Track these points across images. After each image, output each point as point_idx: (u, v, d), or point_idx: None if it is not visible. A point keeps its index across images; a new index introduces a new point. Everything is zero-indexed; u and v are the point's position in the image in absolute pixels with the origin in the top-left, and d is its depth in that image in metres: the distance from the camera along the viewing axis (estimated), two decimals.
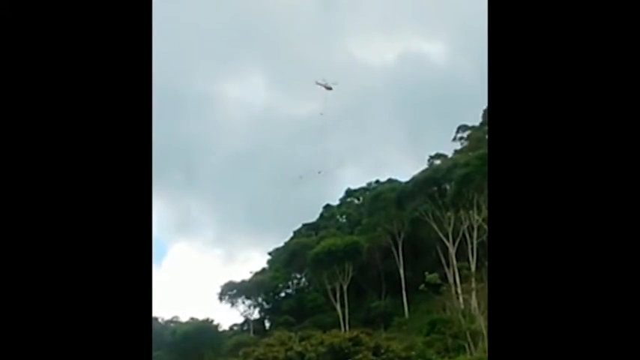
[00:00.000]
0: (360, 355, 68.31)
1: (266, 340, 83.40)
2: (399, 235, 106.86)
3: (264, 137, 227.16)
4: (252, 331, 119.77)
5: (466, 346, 65.35)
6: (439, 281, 74.57)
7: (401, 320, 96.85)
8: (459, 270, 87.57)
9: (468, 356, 64.04)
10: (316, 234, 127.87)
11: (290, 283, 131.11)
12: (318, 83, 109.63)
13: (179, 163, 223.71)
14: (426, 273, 73.74)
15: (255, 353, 76.45)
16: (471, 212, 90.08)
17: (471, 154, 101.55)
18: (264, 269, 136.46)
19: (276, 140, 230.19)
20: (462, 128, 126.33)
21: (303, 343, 73.54)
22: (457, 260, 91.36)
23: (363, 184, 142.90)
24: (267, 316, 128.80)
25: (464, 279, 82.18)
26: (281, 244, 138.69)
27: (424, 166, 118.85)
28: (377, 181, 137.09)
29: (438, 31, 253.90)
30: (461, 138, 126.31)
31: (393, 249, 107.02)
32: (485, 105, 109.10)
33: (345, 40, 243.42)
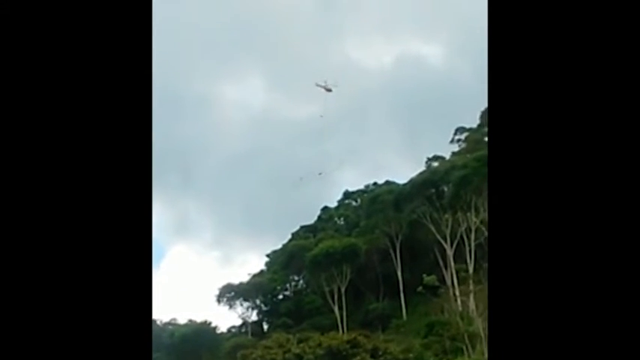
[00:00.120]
0: (358, 357, 68.38)
1: (264, 342, 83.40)
2: (397, 238, 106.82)
3: (262, 139, 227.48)
4: (250, 334, 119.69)
5: (464, 348, 65.33)
6: (437, 283, 74.47)
7: (399, 322, 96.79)
8: (456, 272, 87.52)
9: (466, 358, 64.04)
10: (314, 236, 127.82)
11: (288, 285, 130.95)
12: (318, 85, 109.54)
13: (177, 165, 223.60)
14: (424, 275, 73.65)
15: (253, 355, 76.50)
16: (468, 214, 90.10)
17: (468, 156, 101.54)
18: (262, 271, 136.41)
19: (274, 142, 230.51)
20: (460, 130, 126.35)
21: (301, 345, 73.57)
22: (455, 262, 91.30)
23: (361, 187, 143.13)
24: (265, 319, 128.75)
25: (462, 281, 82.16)
26: (279, 246, 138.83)
27: (422, 168, 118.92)
28: (375, 184, 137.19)
29: (436, 34, 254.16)
30: (458, 140, 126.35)
31: (391, 251, 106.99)
32: (483, 107, 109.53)
33: (344, 42, 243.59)
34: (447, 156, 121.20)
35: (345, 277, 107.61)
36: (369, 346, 70.95)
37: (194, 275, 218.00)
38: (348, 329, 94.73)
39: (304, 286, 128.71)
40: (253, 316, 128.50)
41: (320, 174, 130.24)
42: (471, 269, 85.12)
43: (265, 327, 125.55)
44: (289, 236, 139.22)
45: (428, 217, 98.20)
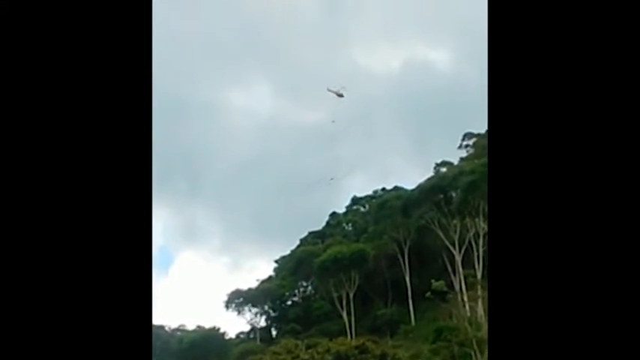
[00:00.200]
0: None
1: (273, 348, 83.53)
2: (405, 243, 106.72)
3: (269, 145, 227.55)
4: (258, 339, 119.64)
5: (472, 353, 65.20)
6: (445, 289, 74.34)
7: (407, 328, 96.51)
8: (465, 277, 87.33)
9: None
10: (322, 242, 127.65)
11: (296, 291, 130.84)
12: (329, 90, 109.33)
13: (185, 172, 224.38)
14: (432, 280, 73.49)
15: None
16: (477, 220, 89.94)
17: (476, 161, 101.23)
18: (270, 277, 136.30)
19: (281, 148, 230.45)
20: (468, 135, 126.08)
21: (310, 351, 73.58)
22: (463, 268, 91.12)
23: (369, 192, 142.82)
24: (274, 324, 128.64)
25: (470, 286, 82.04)
26: (287, 252, 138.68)
27: (430, 173, 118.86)
28: (383, 189, 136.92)
29: (443, 39, 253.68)
30: (466, 145, 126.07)
31: (399, 257, 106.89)
32: None
33: (350, 47, 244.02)
34: (455, 161, 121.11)
35: (354, 283, 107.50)
36: (378, 352, 70.94)
37: (202, 281, 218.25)
38: (356, 335, 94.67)
39: (313, 291, 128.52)
40: (262, 322, 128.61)
41: (331, 179, 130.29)
42: (479, 275, 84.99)
43: (274, 333, 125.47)
44: (297, 242, 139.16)
45: (436, 223, 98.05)
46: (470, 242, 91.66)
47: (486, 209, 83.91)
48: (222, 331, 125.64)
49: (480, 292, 74.76)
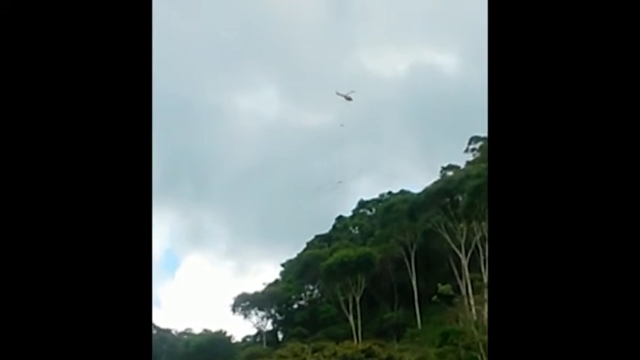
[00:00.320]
0: None
1: (279, 351, 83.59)
2: (412, 247, 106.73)
3: (276, 149, 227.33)
4: (265, 343, 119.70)
5: (479, 357, 65.11)
6: (452, 292, 74.21)
7: (413, 331, 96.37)
8: (471, 281, 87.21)
9: None
10: (329, 245, 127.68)
11: (303, 294, 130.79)
12: (338, 94, 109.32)
13: (191, 175, 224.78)
14: (439, 284, 73.35)
15: None
16: (483, 223, 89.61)
17: (483, 165, 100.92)
18: (276, 281, 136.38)
19: (288, 151, 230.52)
20: (474, 139, 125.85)
21: (316, 354, 73.64)
22: (470, 271, 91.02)
23: (376, 196, 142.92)
24: (280, 328, 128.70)
25: (476, 290, 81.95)
26: (294, 255, 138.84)
27: (436, 177, 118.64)
28: (389, 193, 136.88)
29: (450, 42, 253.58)
30: (473, 149, 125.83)
31: (406, 260, 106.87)
32: None
33: (357, 51, 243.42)
34: (462, 165, 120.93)
35: (360, 287, 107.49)
36: (384, 356, 70.97)
37: (209, 285, 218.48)
38: (362, 338, 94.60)
39: (319, 295, 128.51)
40: (268, 326, 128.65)
41: (339, 182, 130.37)
42: (485, 278, 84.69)
43: (280, 336, 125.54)
44: (304, 245, 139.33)
45: (443, 227, 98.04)
46: (476, 246, 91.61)
47: None
48: (228, 334, 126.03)
49: (486, 296, 74.58)
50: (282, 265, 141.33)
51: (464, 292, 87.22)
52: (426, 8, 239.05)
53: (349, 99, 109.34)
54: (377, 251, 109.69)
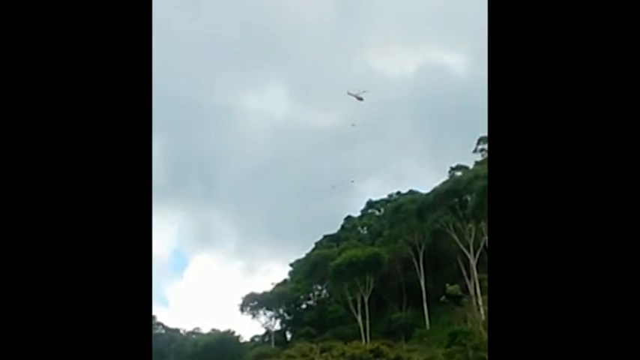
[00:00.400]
0: None
1: (287, 351, 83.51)
2: (420, 247, 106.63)
3: (285, 148, 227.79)
4: (273, 343, 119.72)
5: (487, 358, 64.94)
6: (460, 293, 74.09)
7: (422, 332, 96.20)
8: (480, 281, 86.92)
9: None
10: (337, 245, 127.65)
11: (311, 294, 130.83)
12: (349, 94, 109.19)
13: (200, 175, 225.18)
14: (447, 284, 73.21)
15: None
16: None
17: None
18: (285, 281, 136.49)
19: (297, 151, 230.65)
20: (483, 140, 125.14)
21: (325, 354, 73.53)
22: (478, 272, 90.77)
23: (384, 196, 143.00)
24: (289, 328, 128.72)
25: (485, 290, 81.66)
26: (302, 255, 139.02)
27: (445, 177, 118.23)
28: (398, 193, 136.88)
29: (458, 42, 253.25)
30: (482, 149, 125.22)
31: (414, 260, 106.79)
32: None
33: (366, 51, 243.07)
34: (471, 165, 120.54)
35: (368, 287, 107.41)
36: (392, 356, 70.84)
37: (217, 284, 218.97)
38: (371, 338, 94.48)
39: (327, 295, 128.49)
40: (276, 326, 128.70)
41: (352, 181, 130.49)
42: None
43: (288, 336, 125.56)
44: (312, 246, 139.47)
45: (451, 227, 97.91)
46: (485, 246, 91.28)
47: None
48: (236, 334, 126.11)
49: None
50: (291, 265, 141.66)
51: (472, 292, 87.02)
52: (435, 8, 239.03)
53: (360, 99, 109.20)
54: (385, 251, 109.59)
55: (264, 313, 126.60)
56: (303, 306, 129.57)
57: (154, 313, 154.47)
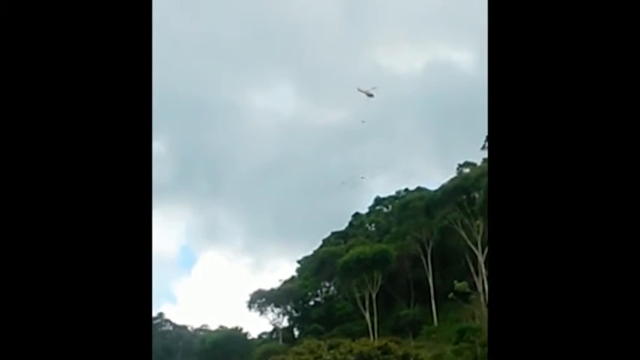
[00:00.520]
0: None
1: (295, 348, 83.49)
2: (428, 244, 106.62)
3: (292, 146, 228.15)
4: (281, 340, 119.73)
5: None
6: (468, 289, 74.21)
7: (430, 328, 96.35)
8: (487, 278, 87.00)
9: None
10: (345, 242, 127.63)
11: (319, 291, 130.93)
12: (360, 90, 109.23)
13: (207, 172, 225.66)
14: (455, 281, 73.42)
15: None
16: None
17: None
18: (293, 277, 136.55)
19: (304, 148, 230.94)
20: None
21: (332, 351, 73.49)
22: (486, 269, 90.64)
23: (392, 193, 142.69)
24: (297, 325, 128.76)
25: None
26: (310, 252, 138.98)
27: (453, 174, 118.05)
28: (406, 190, 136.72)
29: (466, 39, 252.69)
30: None
31: (422, 257, 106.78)
32: None
33: (373, 48, 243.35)
34: (478, 162, 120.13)
35: (376, 283, 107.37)
36: (400, 353, 70.82)
37: (225, 281, 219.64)
38: (379, 335, 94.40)
39: (335, 292, 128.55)
40: (284, 322, 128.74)
41: (363, 178, 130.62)
42: None
43: (296, 333, 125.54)
44: (320, 242, 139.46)
45: (459, 223, 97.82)
46: None
47: None
48: (244, 331, 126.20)
49: None
50: (299, 262, 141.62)
51: (480, 289, 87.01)
52: (442, 5, 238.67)
53: (371, 95, 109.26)
54: (393, 248, 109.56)
55: (272, 310, 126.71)
56: (311, 303, 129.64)
57: (161, 310, 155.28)
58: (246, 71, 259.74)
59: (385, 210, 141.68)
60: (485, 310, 75.64)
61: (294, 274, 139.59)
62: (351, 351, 71.77)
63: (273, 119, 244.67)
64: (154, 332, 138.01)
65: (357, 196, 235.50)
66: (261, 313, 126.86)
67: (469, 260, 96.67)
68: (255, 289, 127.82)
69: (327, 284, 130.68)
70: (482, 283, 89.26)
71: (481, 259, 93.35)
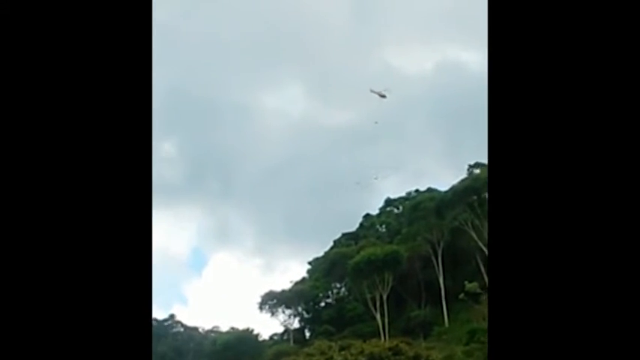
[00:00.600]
0: None
1: (306, 349, 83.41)
2: (439, 244, 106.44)
3: (302, 146, 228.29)
4: (292, 341, 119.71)
5: None
6: (479, 290, 73.90)
7: (441, 329, 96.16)
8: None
9: None
10: (356, 243, 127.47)
11: (330, 292, 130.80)
12: (372, 91, 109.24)
13: (218, 173, 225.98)
14: (466, 282, 73.18)
15: None
16: None
17: None
18: (304, 279, 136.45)
19: (314, 149, 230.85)
20: None
21: (343, 352, 73.41)
22: None
23: (403, 194, 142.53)
24: (307, 326, 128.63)
25: None
26: (321, 253, 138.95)
27: (463, 175, 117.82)
28: (416, 191, 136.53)
29: (476, 40, 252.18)
30: None
31: (433, 258, 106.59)
32: None
33: (383, 49, 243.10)
34: None
35: (387, 284, 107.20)
36: (411, 354, 70.71)
37: (236, 283, 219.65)
38: (389, 336, 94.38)
39: (346, 293, 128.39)
40: (295, 324, 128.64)
41: (376, 178, 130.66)
42: None
43: (307, 334, 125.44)
44: (331, 243, 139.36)
45: (470, 224, 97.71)
46: None
47: None
48: (255, 332, 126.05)
49: None
50: (310, 263, 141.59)
51: None
52: (452, 5, 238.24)
53: (383, 96, 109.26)
54: (404, 249, 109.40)
55: (283, 312, 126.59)
56: (322, 304, 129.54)
57: (173, 311, 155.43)
58: (256, 72, 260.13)
59: (396, 211, 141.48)
60: None
61: (305, 275, 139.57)
62: (362, 352, 71.70)
63: (284, 120, 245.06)
64: (165, 334, 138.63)
65: (368, 197, 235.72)
66: (272, 314, 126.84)
67: (480, 261, 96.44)
68: (266, 290, 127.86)
69: (338, 285, 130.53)
70: None
71: None
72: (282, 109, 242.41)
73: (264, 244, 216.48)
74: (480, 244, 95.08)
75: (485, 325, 71.90)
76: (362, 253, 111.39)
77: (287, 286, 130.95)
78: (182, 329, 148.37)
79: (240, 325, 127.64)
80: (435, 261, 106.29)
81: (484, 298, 75.61)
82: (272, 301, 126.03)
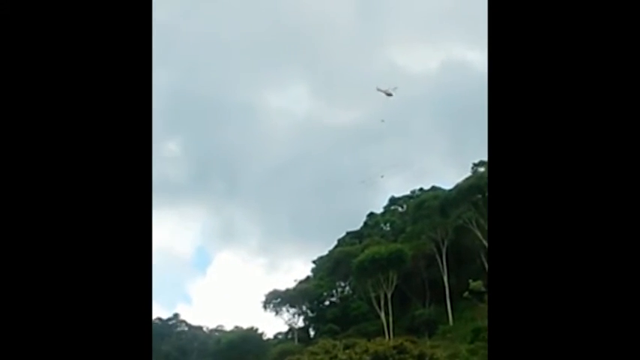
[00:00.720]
0: None
1: (310, 348, 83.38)
2: (443, 243, 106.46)
3: (307, 146, 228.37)
4: (296, 340, 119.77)
5: None
6: (483, 289, 73.70)
7: (445, 328, 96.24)
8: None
9: None
10: (360, 242, 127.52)
11: (334, 291, 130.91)
12: (379, 90, 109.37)
13: (223, 173, 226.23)
14: (470, 280, 73.02)
15: None
16: None
17: None
18: (308, 278, 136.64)
19: (319, 148, 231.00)
20: None
21: (348, 351, 73.38)
22: None
23: (407, 192, 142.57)
24: (312, 325, 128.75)
25: None
26: (325, 252, 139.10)
27: (468, 173, 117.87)
28: (421, 189, 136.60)
29: (480, 39, 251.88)
30: None
31: (437, 257, 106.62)
32: None
33: (387, 48, 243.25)
34: None
35: (392, 283, 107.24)
36: (416, 352, 70.65)
37: (240, 282, 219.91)
38: (394, 335, 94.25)
39: (350, 292, 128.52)
40: (300, 323, 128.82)
41: (382, 177, 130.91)
42: None
43: (312, 333, 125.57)
44: (335, 242, 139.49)
45: (474, 223, 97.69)
46: None
47: None
48: (260, 331, 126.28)
49: None
50: (314, 262, 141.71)
51: None
52: (456, 4, 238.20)
53: (390, 95, 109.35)
54: (408, 248, 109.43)
55: (288, 310, 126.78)
56: (326, 303, 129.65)
57: (177, 310, 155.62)
58: (261, 72, 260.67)
59: (400, 209, 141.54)
60: None
61: (310, 274, 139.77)
62: (366, 351, 71.66)
63: (288, 119, 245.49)
64: (169, 333, 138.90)
65: (372, 195, 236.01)
66: (277, 313, 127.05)
67: (484, 259, 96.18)
68: (271, 289, 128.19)
69: (343, 284, 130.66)
70: None
71: None
72: (286, 109, 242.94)
73: (268, 243, 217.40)
74: (485, 242, 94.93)
75: None
76: (366, 251, 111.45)
77: (291, 285, 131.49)
78: (186, 328, 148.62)
79: (245, 324, 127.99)
80: (439, 259, 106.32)
81: None
82: (276, 300, 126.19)
